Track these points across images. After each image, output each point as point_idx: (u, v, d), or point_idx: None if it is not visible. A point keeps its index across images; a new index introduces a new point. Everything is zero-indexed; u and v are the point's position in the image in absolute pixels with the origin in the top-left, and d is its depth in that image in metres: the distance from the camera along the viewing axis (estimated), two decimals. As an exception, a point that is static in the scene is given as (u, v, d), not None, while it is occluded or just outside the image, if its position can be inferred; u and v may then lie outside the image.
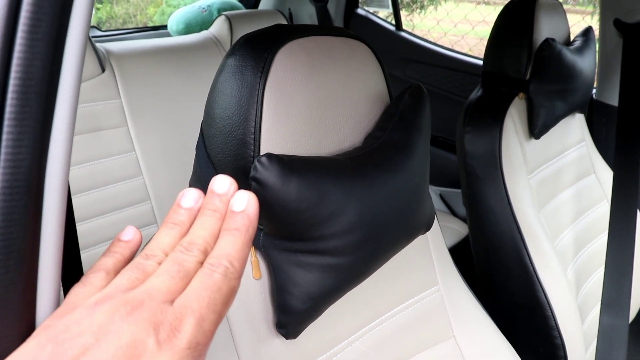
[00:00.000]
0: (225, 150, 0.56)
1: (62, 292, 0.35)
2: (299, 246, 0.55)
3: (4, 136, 0.29)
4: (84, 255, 1.31)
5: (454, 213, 1.92)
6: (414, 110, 0.65)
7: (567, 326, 1.09)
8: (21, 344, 0.28)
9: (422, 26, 4.09)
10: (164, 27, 2.18)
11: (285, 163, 0.51)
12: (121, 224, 1.38)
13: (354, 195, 0.55)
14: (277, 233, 0.55)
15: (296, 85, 0.56)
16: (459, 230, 1.69)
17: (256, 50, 0.56)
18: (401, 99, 0.65)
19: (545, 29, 1.15)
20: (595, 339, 1.08)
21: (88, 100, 1.34)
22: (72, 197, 1.30)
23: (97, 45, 1.42)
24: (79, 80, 0.33)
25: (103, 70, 1.38)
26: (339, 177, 0.54)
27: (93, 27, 2.17)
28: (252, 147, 0.54)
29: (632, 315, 1.35)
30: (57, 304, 0.33)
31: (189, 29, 2.00)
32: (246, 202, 0.35)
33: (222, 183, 0.36)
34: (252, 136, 0.54)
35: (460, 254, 1.32)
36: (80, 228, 1.31)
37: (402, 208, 0.61)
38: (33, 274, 0.30)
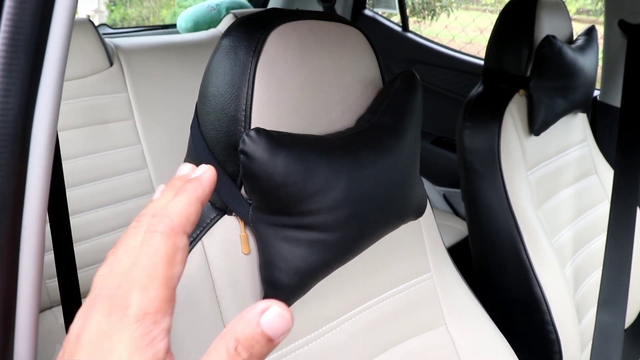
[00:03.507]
0: (217, 127, 0.57)
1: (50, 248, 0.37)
2: (286, 221, 0.56)
3: None
4: (87, 245, 1.33)
5: (457, 213, 1.92)
6: (406, 95, 0.66)
7: (562, 322, 1.09)
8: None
9: (431, 31, 4.09)
10: (173, 26, 2.21)
11: (274, 138, 0.53)
12: (125, 215, 1.40)
13: (342, 173, 0.56)
14: (265, 207, 0.56)
15: (288, 66, 0.58)
16: (460, 229, 1.69)
17: (249, 31, 0.57)
18: (393, 84, 0.66)
19: (546, 26, 1.16)
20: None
21: (95, 92, 1.37)
22: (77, 188, 1.32)
23: (106, 40, 1.44)
24: (68, 40, 0.34)
25: (111, 64, 1.41)
26: (327, 154, 0.56)
27: (104, 25, 2.20)
28: (243, 124, 0.55)
29: (632, 317, 1.35)
30: (42, 251, 0.34)
31: (197, 27, 2.03)
32: (201, 171, 0.34)
33: (184, 168, 0.36)
34: (244, 113, 0.55)
35: (461, 253, 1.32)
36: (85, 218, 1.33)
37: (391, 188, 0.62)
38: (17, 218, 0.32)
